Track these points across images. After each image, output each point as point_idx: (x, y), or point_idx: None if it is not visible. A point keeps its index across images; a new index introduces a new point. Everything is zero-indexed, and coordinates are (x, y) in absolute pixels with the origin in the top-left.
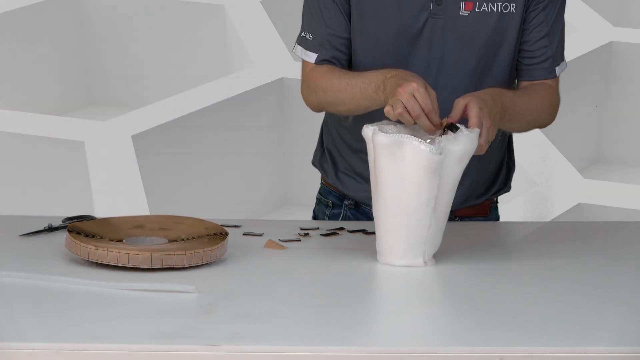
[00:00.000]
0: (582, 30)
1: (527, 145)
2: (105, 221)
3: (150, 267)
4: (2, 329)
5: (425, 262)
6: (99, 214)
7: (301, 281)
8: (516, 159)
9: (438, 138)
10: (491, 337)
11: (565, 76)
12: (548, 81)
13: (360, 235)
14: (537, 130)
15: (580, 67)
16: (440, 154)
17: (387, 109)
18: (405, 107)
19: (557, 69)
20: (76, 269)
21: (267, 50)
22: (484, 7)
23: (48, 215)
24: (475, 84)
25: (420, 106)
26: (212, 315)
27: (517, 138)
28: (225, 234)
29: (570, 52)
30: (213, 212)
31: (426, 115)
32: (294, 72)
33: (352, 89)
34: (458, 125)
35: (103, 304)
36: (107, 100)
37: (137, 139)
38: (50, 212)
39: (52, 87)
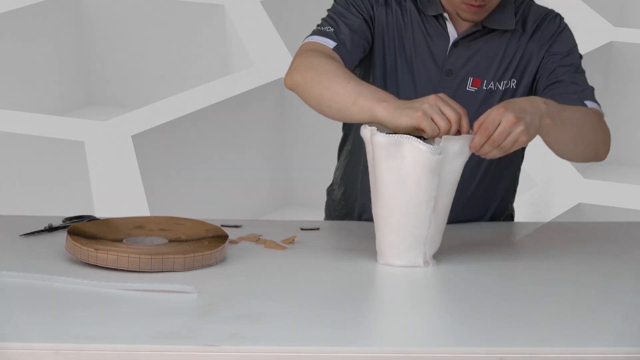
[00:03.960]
0: (582, 30)
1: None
2: (105, 222)
3: (150, 271)
4: (1, 329)
5: (425, 262)
6: (99, 214)
7: (301, 281)
8: None
9: (437, 138)
10: (491, 337)
11: None
12: (593, 108)
13: (360, 235)
14: None
15: None
16: (440, 153)
17: (417, 115)
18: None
19: (590, 102)
20: (76, 269)
21: (267, 50)
22: (491, 85)
23: (48, 215)
24: (478, 158)
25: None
26: (212, 316)
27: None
28: (225, 237)
29: None
30: (213, 212)
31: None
32: None
33: (353, 89)
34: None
35: (103, 304)
36: (107, 100)
37: (137, 139)
38: (50, 212)
39: (52, 87)
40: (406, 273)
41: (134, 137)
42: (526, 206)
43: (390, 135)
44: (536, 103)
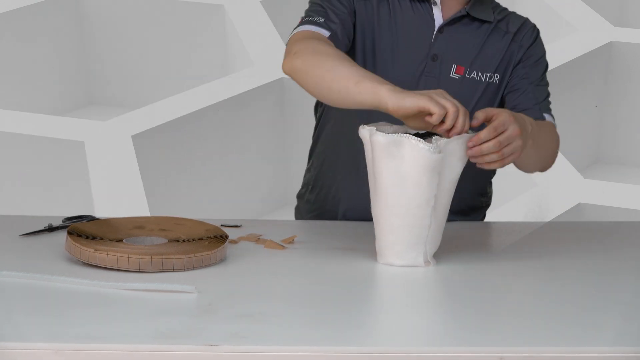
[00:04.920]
0: (582, 30)
1: None
2: (105, 222)
3: (149, 271)
4: (1, 329)
5: (426, 262)
6: (99, 214)
7: (301, 281)
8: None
9: (436, 137)
10: (491, 337)
11: (565, 76)
12: (550, 122)
13: (359, 235)
14: None
15: (580, 67)
16: (440, 152)
17: (427, 104)
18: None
19: (547, 115)
20: (76, 269)
21: (267, 50)
22: (474, 74)
23: (48, 215)
24: None
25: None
26: (212, 315)
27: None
28: (225, 237)
29: (570, 52)
30: (213, 212)
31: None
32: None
33: (351, 66)
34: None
35: (103, 304)
36: (107, 100)
37: (137, 139)
38: (50, 212)
39: (52, 87)
40: (406, 273)
41: (134, 137)
42: (526, 206)
43: (390, 134)
44: (527, 124)
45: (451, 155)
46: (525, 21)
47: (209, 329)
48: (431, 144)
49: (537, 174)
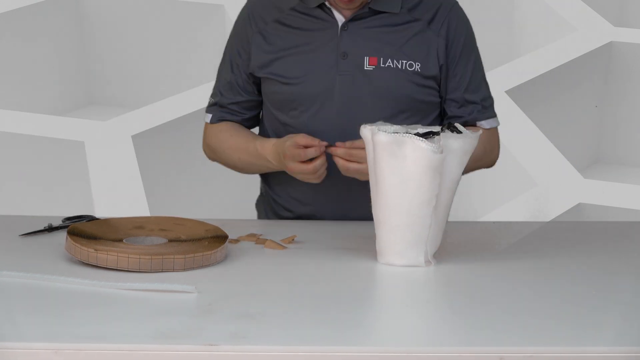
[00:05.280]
0: (582, 30)
1: (527, 145)
2: (105, 222)
3: (149, 271)
4: (1, 329)
5: (426, 262)
6: (99, 214)
7: (301, 281)
8: (516, 159)
9: (437, 137)
10: (491, 337)
11: (565, 76)
12: (484, 123)
13: (359, 235)
14: (537, 130)
15: (580, 67)
16: (441, 152)
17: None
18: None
19: (489, 122)
20: (76, 269)
21: None
22: (389, 62)
23: (48, 215)
24: None
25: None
26: (212, 315)
27: (517, 138)
28: (225, 237)
29: (570, 52)
30: (213, 212)
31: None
32: None
33: (242, 154)
34: (457, 125)
35: (103, 304)
36: (107, 100)
37: (137, 139)
38: (50, 212)
39: (52, 87)
40: (406, 273)
41: (134, 137)
42: (526, 206)
43: (392, 134)
44: None
45: (453, 154)
46: (440, 5)
47: (209, 329)
48: (433, 144)
49: (537, 174)
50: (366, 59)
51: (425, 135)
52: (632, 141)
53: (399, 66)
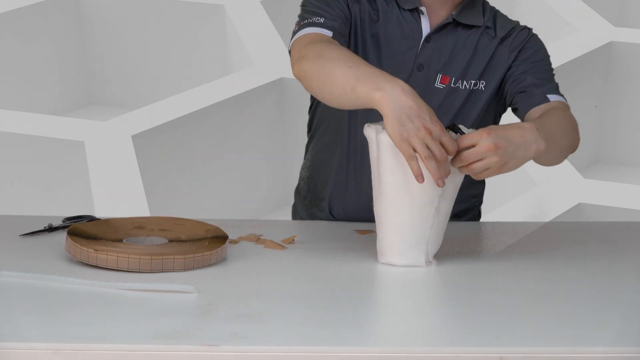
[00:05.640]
0: (582, 30)
1: None
2: (106, 222)
3: (150, 271)
4: (1, 329)
5: (427, 262)
6: (99, 214)
7: (301, 281)
8: None
9: None
10: (491, 337)
11: (565, 76)
12: (557, 104)
13: (359, 235)
14: None
15: (580, 67)
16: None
17: (400, 144)
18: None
19: (552, 96)
20: (76, 269)
21: (267, 50)
22: (459, 84)
23: (48, 215)
24: None
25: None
26: (212, 315)
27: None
28: (225, 237)
29: (570, 52)
30: (213, 212)
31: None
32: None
33: (349, 68)
34: (461, 126)
35: (103, 304)
36: (107, 100)
37: (137, 139)
38: (50, 212)
39: (52, 87)
40: (406, 273)
41: (134, 137)
42: (526, 206)
43: None
44: (527, 130)
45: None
46: (515, 25)
47: (208, 329)
48: None
49: (537, 174)
50: (439, 76)
51: None
52: (632, 141)
53: (467, 86)
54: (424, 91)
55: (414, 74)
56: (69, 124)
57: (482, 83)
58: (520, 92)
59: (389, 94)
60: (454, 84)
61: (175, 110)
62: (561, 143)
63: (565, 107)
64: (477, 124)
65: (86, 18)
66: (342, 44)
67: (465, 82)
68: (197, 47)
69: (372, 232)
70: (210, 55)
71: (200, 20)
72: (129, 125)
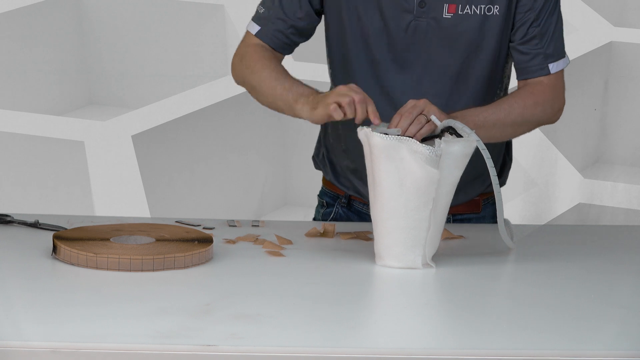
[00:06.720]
0: (582, 30)
1: (527, 145)
2: (83, 229)
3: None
4: (1, 329)
5: (424, 264)
6: (99, 214)
7: (299, 282)
8: (516, 159)
9: (437, 140)
10: (490, 340)
11: (565, 76)
12: (543, 79)
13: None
14: (537, 130)
15: (580, 67)
16: (439, 155)
17: (326, 111)
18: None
19: (552, 66)
20: (76, 269)
21: None
22: (467, 9)
23: (48, 214)
24: (457, 87)
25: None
26: (211, 316)
27: (517, 138)
28: (209, 238)
29: (570, 52)
30: (213, 212)
31: (358, 103)
32: (294, 72)
33: (276, 85)
34: (457, 124)
35: (102, 304)
36: (107, 100)
37: (137, 139)
38: (50, 212)
39: (52, 87)
40: (405, 275)
41: (134, 137)
42: (526, 206)
43: (389, 136)
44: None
45: (452, 158)
46: None
47: (207, 329)
48: (431, 147)
49: (537, 174)
50: (445, 6)
51: (424, 139)
52: (632, 141)
53: (477, 11)
54: (432, 24)
55: (417, 10)
56: (68, 123)
57: (497, 8)
58: (519, 54)
59: (307, 102)
60: (462, 10)
61: (175, 110)
62: (505, 128)
63: (547, 83)
64: (494, 57)
65: (86, 18)
66: (267, 40)
67: (474, 6)
68: (197, 47)
69: (355, 237)
70: (210, 55)
71: (200, 20)
72: (129, 125)
